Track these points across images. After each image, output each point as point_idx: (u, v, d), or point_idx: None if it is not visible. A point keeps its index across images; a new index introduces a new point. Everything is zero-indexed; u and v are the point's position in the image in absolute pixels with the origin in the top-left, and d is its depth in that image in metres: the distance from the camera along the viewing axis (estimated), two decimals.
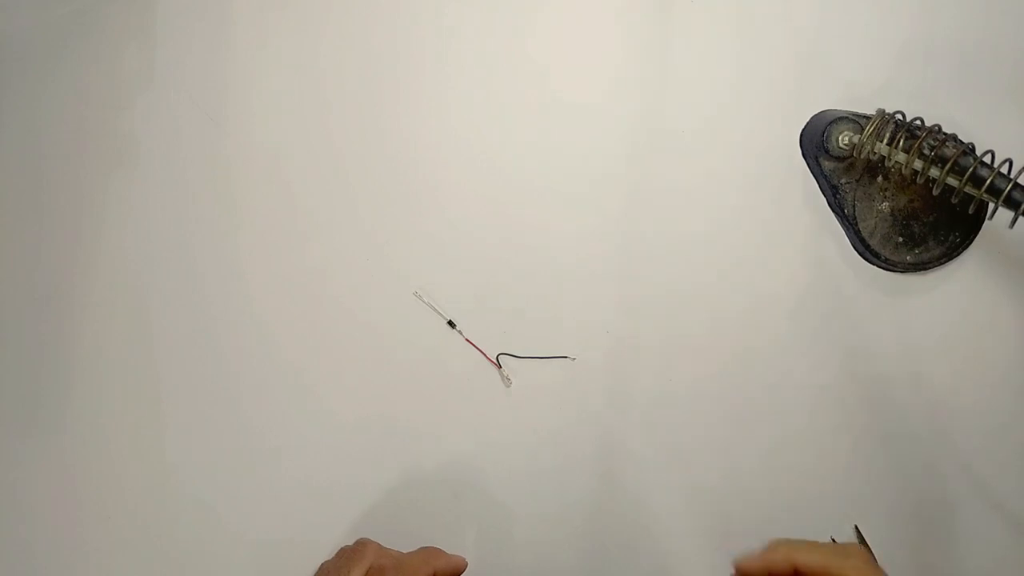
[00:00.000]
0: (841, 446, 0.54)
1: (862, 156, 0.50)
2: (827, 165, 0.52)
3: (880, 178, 0.52)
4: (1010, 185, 0.46)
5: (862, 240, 0.53)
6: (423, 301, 0.50)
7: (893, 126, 0.50)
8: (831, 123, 0.51)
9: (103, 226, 0.51)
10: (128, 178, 0.51)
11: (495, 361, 0.51)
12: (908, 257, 0.53)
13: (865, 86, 0.53)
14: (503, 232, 0.52)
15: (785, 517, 0.52)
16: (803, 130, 0.53)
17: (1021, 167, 0.46)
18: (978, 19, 0.53)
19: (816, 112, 0.53)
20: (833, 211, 0.53)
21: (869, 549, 0.52)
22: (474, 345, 0.51)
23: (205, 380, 0.51)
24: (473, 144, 0.52)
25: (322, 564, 0.44)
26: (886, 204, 0.52)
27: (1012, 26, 0.53)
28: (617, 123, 0.52)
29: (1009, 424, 0.54)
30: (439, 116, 0.52)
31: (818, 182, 0.53)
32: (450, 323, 0.51)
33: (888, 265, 0.53)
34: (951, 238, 0.53)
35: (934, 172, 0.48)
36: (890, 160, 0.49)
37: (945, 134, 0.49)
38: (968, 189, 0.47)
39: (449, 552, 0.44)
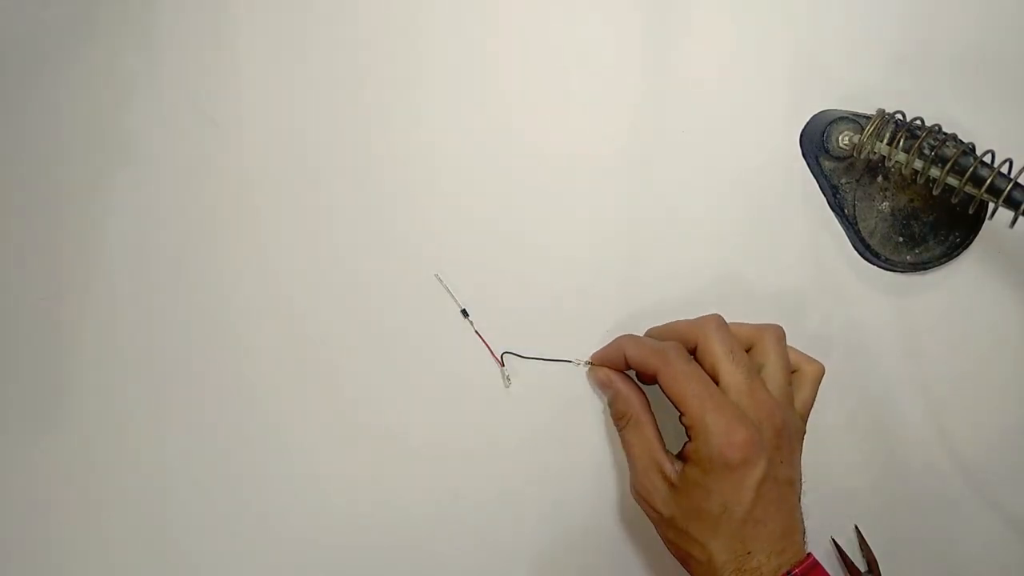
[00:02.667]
0: (841, 445, 0.54)
1: (862, 156, 0.50)
2: (827, 165, 0.52)
3: (880, 178, 0.52)
4: (1010, 185, 0.46)
5: (862, 240, 0.53)
6: (442, 284, 0.50)
7: (893, 126, 0.50)
8: (831, 123, 0.51)
9: (102, 226, 0.50)
10: (128, 178, 0.51)
11: (499, 359, 0.51)
12: (908, 257, 0.53)
13: (865, 86, 0.53)
14: (503, 229, 0.52)
15: None
16: (803, 130, 0.53)
17: (1021, 167, 0.46)
18: (978, 19, 0.53)
19: (816, 112, 0.53)
20: (833, 211, 0.53)
21: (869, 550, 0.52)
22: (482, 339, 0.51)
23: (207, 379, 0.51)
24: (473, 144, 0.52)
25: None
26: (886, 204, 0.53)
27: (1012, 26, 0.53)
28: (617, 123, 0.52)
29: (1010, 424, 0.54)
30: (439, 116, 0.52)
31: (818, 182, 0.53)
32: (463, 312, 0.51)
33: (888, 265, 0.53)
34: (951, 238, 0.53)
35: (934, 172, 0.48)
36: (890, 160, 0.49)
37: (945, 134, 0.49)
38: (968, 189, 0.48)
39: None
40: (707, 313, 0.47)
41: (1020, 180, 0.46)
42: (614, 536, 0.52)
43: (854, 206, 0.52)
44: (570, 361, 0.51)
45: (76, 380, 0.50)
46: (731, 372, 0.44)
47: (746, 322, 0.47)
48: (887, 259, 0.53)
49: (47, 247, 0.50)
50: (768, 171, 0.53)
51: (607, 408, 0.50)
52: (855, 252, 0.53)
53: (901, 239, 0.53)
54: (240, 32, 0.51)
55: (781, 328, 0.47)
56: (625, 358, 0.48)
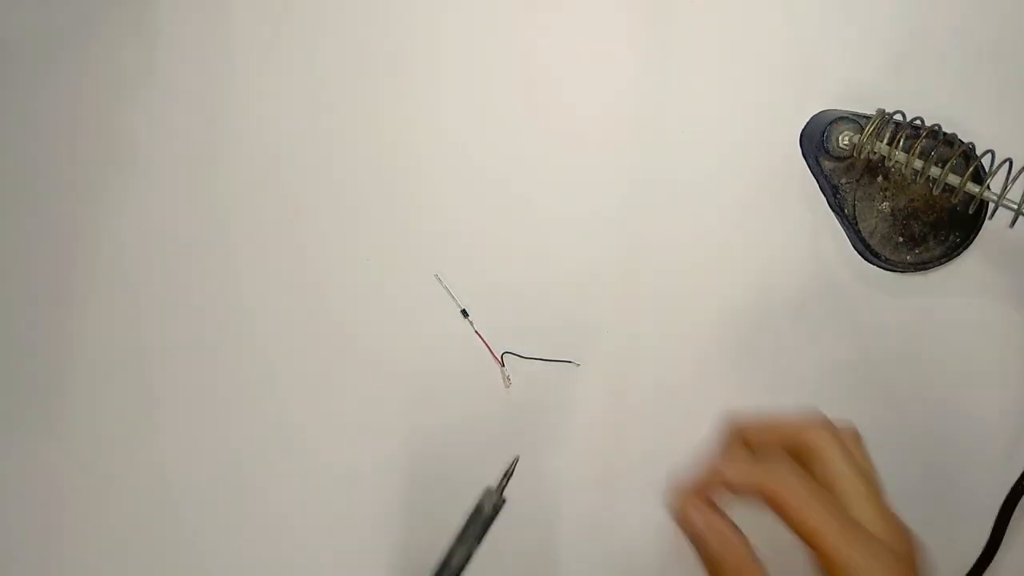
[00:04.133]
0: None
1: (862, 156, 0.50)
2: (827, 165, 0.52)
3: (880, 178, 0.52)
4: (1010, 184, 0.46)
5: (862, 240, 0.53)
6: (442, 284, 0.51)
7: (893, 126, 0.50)
8: (831, 123, 0.51)
9: (101, 226, 0.51)
10: (127, 178, 0.51)
11: (499, 359, 0.51)
12: (908, 257, 0.53)
13: (865, 86, 0.53)
14: (503, 228, 0.52)
15: None
16: (803, 130, 0.53)
17: (1021, 167, 0.46)
18: (978, 18, 0.53)
19: (816, 112, 0.53)
20: (833, 211, 0.53)
21: None
22: (482, 339, 0.51)
23: (205, 380, 0.51)
24: (473, 143, 0.52)
25: None
26: (886, 204, 0.53)
27: (1012, 26, 0.53)
28: (616, 123, 0.52)
29: (1010, 424, 0.54)
30: (440, 116, 0.52)
31: (818, 182, 0.53)
32: (463, 312, 0.51)
33: (888, 265, 0.53)
34: (951, 238, 0.53)
35: (934, 172, 0.48)
36: (890, 160, 0.49)
37: (945, 134, 0.49)
38: (968, 188, 0.48)
39: None
40: (811, 414, 0.39)
41: (1020, 180, 0.46)
42: (614, 536, 0.52)
43: (854, 206, 0.52)
44: (570, 361, 0.51)
45: (76, 380, 0.50)
46: (854, 488, 0.37)
47: (785, 413, 0.40)
48: (887, 259, 0.53)
49: (46, 246, 0.50)
50: (768, 172, 0.53)
51: (696, 554, 0.39)
52: (855, 252, 0.53)
53: (901, 239, 0.53)
54: (240, 32, 0.51)
55: (856, 429, 0.40)
56: (725, 484, 0.38)
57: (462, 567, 0.39)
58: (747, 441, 0.40)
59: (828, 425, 0.38)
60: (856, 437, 0.40)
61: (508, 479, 0.41)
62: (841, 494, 0.37)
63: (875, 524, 0.36)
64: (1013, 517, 0.51)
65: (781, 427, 0.39)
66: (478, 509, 0.40)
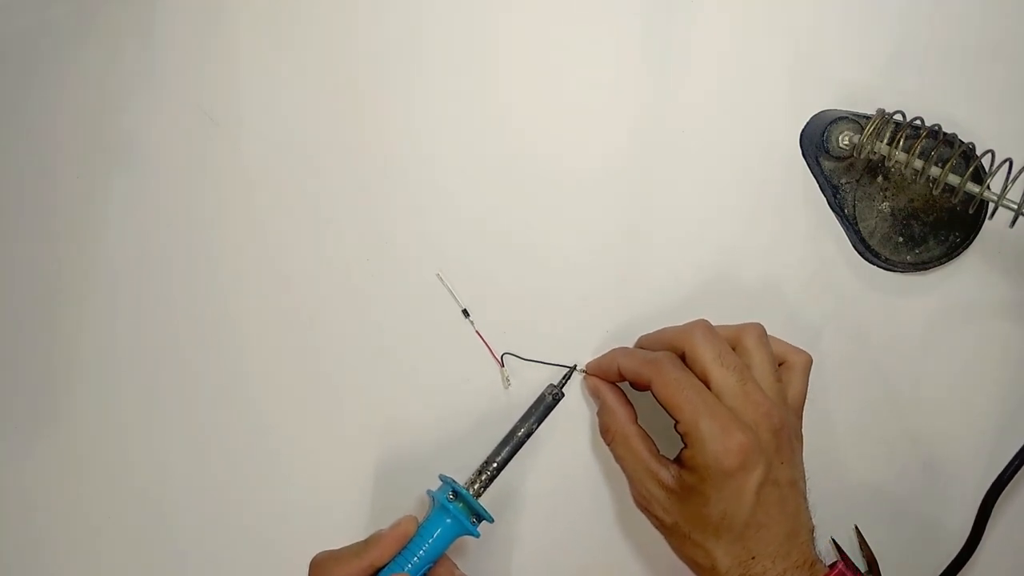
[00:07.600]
0: (841, 446, 0.54)
1: (862, 156, 0.50)
2: (827, 165, 0.52)
3: (880, 178, 0.52)
4: (1010, 184, 0.46)
5: (862, 240, 0.53)
6: (443, 283, 0.51)
7: (893, 126, 0.50)
8: (831, 123, 0.51)
9: (102, 226, 0.51)
10: (127, 178, 0.51)
11: (499, 359, 0.51)
12: (908, 257, 0.53)
13: (865, 86, 0.53)
14: (504, 228, 0.52)
15: None
16: (803, 130, 0.53)
17: (1021, 167, 0.46)
18: (978, 18, 0.53)
19: (816, 112, 0.53)
20: (833, 211, 0.53)
21: (869, 549, 0.52)
22: (483, 339, 0.51)
23: (206, 379, 0.51)
24: (474, 143, 0.52)
25: None
26: (886, 204, 0.53)
27: (1012, 25, 0.53)
28: (617, 124, 0.52)
29: (1009, 424, 0.54)
30: (441, 116, 0.52)
31: (818, 182, 0.53)
32: (464, 312, 0.51)
33: (888, 265, 0.53)
34: (951, 238, 0.53)
35: (934, 172, 0.48)
36: (890, 160, 0.49)
37: (945, 134, 0.49)
38: (968, 188, 0.48)
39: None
40: (698, 317, 0.47)
41: (1020, 180, 0.47)
42: (613, 536, 0.52)
43: (854, 206, 0.52)
44: (570, 366, 0.51)
45: (75, 380, 0.50)
46: (722, 376, 0.43)
47: (728, 324, 0.47)
48: (887, 259, 0.53)
49: (47, 247, 0.50)
50: (768, 171, 0.53)
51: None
52: (855, 252, 0.53)
53: (901, 239, 0.53)
54: (240, 32, 0.51)
55: (760, 325, 0.47)
56: (618, 369, 0.48)
57: (523, 442, 0.49)
58: (645, 348, 0.49)
59: (704, 331, 0.45)
60: (759, 334, 0.46)
61: (567, 379, 0.50)
62: (713, 384, 0.43)
63: (739, 407, 0.42)
64: (994, 508, 0.52)
65: (668, 335, 0.47)
66: (540, 398, 0.50)
